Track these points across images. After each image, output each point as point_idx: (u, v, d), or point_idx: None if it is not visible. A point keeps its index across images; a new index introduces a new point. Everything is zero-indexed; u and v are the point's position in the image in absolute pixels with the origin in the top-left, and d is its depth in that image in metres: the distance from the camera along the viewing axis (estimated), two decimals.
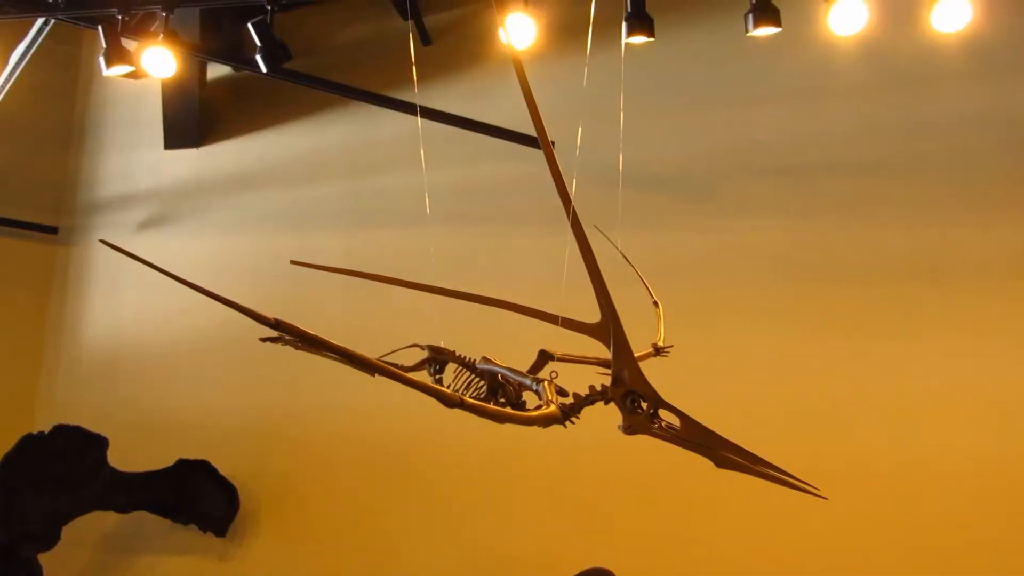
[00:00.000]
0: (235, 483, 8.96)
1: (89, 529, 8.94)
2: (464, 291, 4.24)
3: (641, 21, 6.76)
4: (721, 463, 3.53)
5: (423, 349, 4.27)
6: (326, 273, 9.09)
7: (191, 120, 9.77)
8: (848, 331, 7.92)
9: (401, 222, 9.18)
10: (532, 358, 4.08)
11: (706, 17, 7.99)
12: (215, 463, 8.93)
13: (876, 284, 7.91)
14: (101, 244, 8.88)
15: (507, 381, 3.86)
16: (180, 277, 2.83)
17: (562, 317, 3.74)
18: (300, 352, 8.97)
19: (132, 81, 9.08)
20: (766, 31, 6.61)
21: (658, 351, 4.28)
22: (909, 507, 7.40)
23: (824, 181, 8.16)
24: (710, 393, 6.76)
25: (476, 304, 4.35)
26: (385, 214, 9.28)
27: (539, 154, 7.89)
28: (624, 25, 6.79)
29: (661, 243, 8.32)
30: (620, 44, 6.85)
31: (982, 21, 6.75)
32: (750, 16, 6.61)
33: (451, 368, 4.17)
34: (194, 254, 9.72)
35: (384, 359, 4.21)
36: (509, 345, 4.44)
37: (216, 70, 9.99)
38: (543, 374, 3.76)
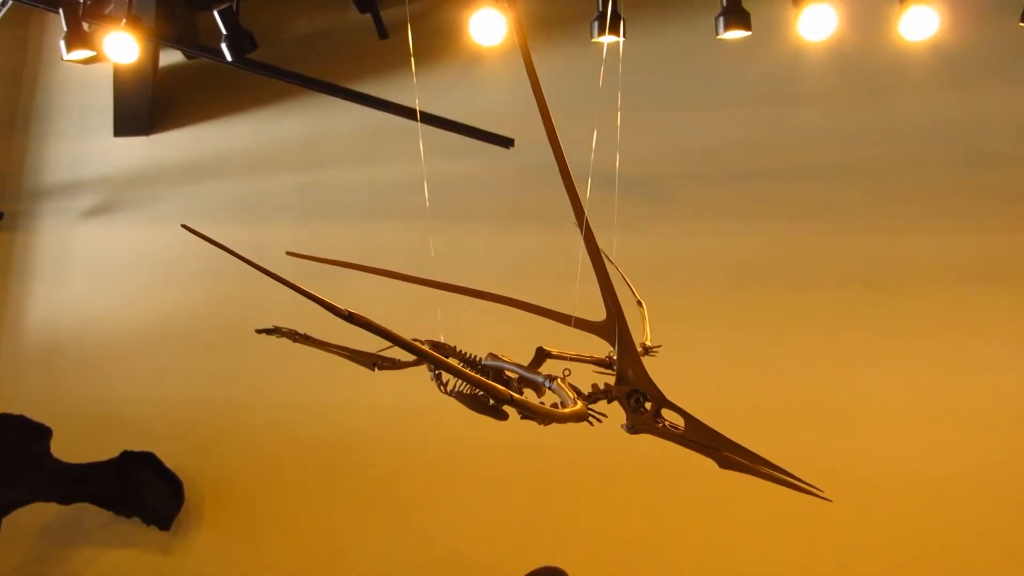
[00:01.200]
0: (181, 476, 8.82)
1: (29, 520, 8.75)
2: (473, 287, 4.20)
3: (738, 16, 6.75)
4: (724, 463, 3.53)
5: (423, 344, 4.20)
6: (279, 265, 9.13)
7: (142, 107, 9.61)
8: (800, 334, 8.04)
9: (355, 216, 9.11)
10: (520, 354, 4.07)
11: (677, 18, 8.04)
12: (162, 456, 8.78)
13: (831, 288, 8.04)
14: (45, 230, 8.71)
15: (512, 378, 3.83)
16: (259, 265, 2.79)
17: (574, 317, 3.73)
18: (252, 346, 8.97)
19: (82, 66, 8.94)
20: (736, 35, 6.67)
21: (647, 351, 4.28)
22: (883, 513, 7.52)
23: (787, 185, 8.26)
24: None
25: (468, 300, 4.30)
26: (339, 208, 9.21)
27: (494, 151, 7.96)
28: (595, 24, 6.81)
29: (617, 244, 8.34)
30: (589, 42, 6.88)
31: (949, 31, 6.88)
32: (721, 19, 6.67)
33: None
34: (143, 243, 9.56)
35: (382, 352, 4.18)
36: (503, 341, 4.42)
37: (168, 57, 9.85)
38: (547, 371, 3.75)
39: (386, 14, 9.37)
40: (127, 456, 8.76)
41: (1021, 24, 6.53)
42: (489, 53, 8.27)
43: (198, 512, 8.95)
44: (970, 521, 7.44)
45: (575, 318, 3.66)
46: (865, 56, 7.95)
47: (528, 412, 3.08)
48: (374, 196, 9.11)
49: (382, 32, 9.38)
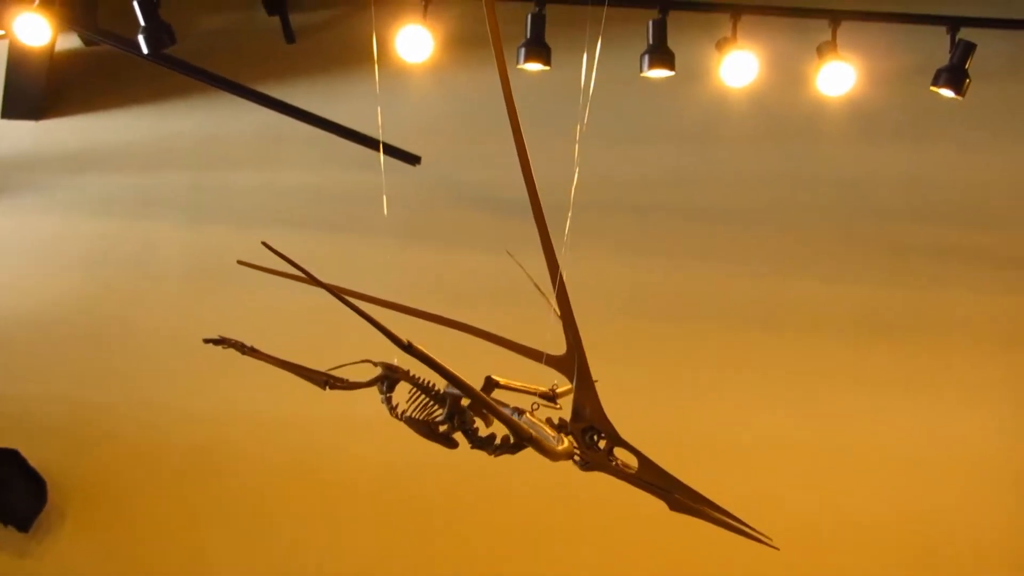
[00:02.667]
0: (46, 477, 8.49)
1: None
2: (444, 316, 4.14)
3: (539, 48, 6.79)
4: (675, 506, 3.56)
5: (375, 366, 4.11)
6: (167, 265, 8.92)
7: (35, 90, 9.25)
8: (693, 371, 8.18)
9: (251, 221, 8.92)
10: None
11: (605, 51, 8.04)
12: (26, 454, 8.44)
13: (725, 327, 8.19)
14: None
15: (470, 407, 3.78)
16: (333, 288, 2.73)
17: (540, 352, 3.71)
18: (130, 343, 8.71)
19: None
20: (660, 73, 6.74)
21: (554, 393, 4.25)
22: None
23: (691, 223, 8.40)
24: None
25: (418, 324, 4.23)
26: (235, 211, 8.99)
27: (398, 166, 7.88)
28: (521, 51, 6.81)
29: (511, 266, 8.34)
30: (515, 64, 6.88)
31: (865, 88, 7.06)
32: (646, 57, 6.74)
33: (404, 388, 4.05)
34: (25, 231, 9.18)
35: (332, 371, 4.08)
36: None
37: (65, 41, 9.51)
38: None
39: (295, 18, 9.23)
40: None
41: (932, 89, 6.74)
42: (401, 67, 8.21)
43: (60, 514, 8.61)
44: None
45: (546, 355, 3.64)
46: (783, 105, 8.12)
47: (538, 449, 3.05)
48: (273, 202, 8.93)
49: (289, 36, 9.23)
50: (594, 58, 4.73)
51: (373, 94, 8.89)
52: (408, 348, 2.85)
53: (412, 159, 8.13)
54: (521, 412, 3.63)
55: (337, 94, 9.00)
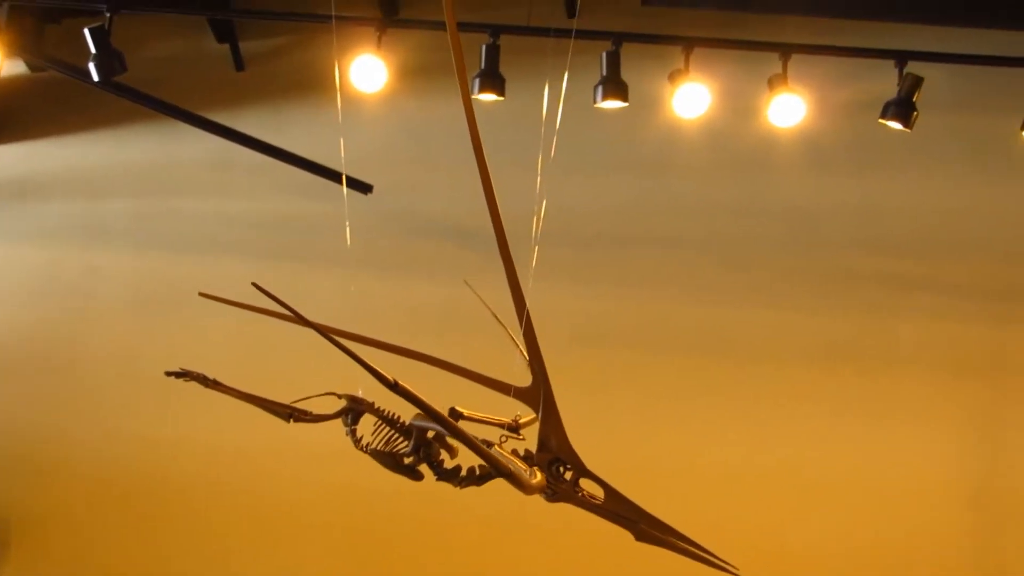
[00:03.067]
0: None
1: None
2: (409, 348, 4.12)
3: (493, 79, 6.81)
4: (640, 536, 3.57)
5: (340, 398, 4.10)
6: (113, 292, 8.81)
7: None
8: (646, 398, 8.25)
9: (199, 248, 8.86)
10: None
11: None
12: None
13: (677, 354, 8.27)
14: None
15: (437, 440, 3.78)
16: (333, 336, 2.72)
17: (508, 385, 3.71)
18: (77, 375, 8.60)
19: None
20: (613, 104, 6.78)
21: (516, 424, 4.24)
22: None
23: (644, 252, 8.47)
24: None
25: (380, 355, 4.20)
26: (182, 238, 8.92)
27: (350, 194, 7.83)
28: (476, 82, 6.82)
29: (454, 295, 8.35)
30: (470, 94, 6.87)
31: (814, 119, 7.15)
32: (599, 88, 6.78)
33: (369, 420, 4.03)
34: None
35: (296, 403, 4.06)
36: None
37: (9, 67, 9.37)
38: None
39: (244, 46, 9.18)
40: None
41: (880, 121, 6.83)
42: (354, 95, 8.20)
43: (3, 546, 8.49)
44: None
45: (514, 387, 3.64)
46: (735, 136, 8.20)
47: (514, 483, 3.05)
48: (221, 229, 8.87)
49: (239, 64, 9.18)
50: (560, 90, 4.73)
51: (322, 122, 8.90)
52: (394, 387, 2.84)
53: (364, 187, 8.12)
54: (490, 444, 3.63)
55: (286, 122, 8.96)
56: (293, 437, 7.29)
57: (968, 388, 8.35)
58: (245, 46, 9.19)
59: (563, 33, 6.56)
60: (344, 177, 6.04)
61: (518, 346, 4.61)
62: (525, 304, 3.51)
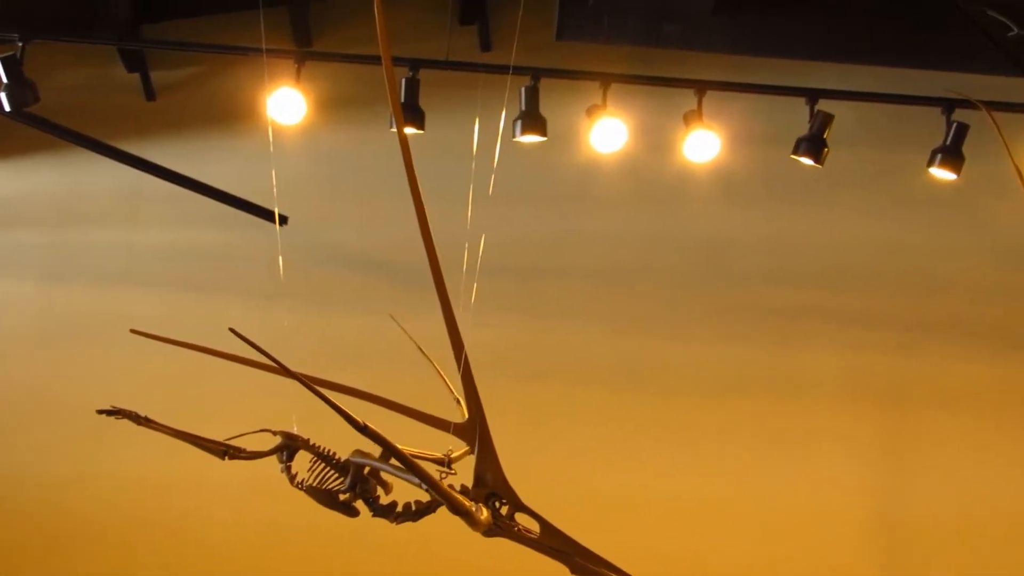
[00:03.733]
0: None
1: None
2: (343, 384, 4.10)
3: (413, 113, 6.84)
4: (575, 569, 3.62)
5: (275, 435, 4.08)
6: (21, 325, 8.61)
7: None
8: (550, 428, 8.32)
9: (109, 280, 8.72)
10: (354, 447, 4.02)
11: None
12: None
13: (590, 385, 8.35)
14: None
15: (372, 476, 3.80)
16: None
17: (447, 422, 3.74)
18: None
19: None
20: (532, 139, 6.85)
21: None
22: None
23: (554, 283, 8.54)
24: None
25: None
26: (89, 269, 8.77)
27: (260, 224, 7.77)
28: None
29: (368, 328, 8.35)
30: (388, 127, 6.93)
31: (728, 154, 7.28)
32: (518, 123, 6.84)
33: (304, 456, 4.02)
34: None
35: (230, 441, 4.02)
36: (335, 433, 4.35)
37: None
38: None
39: (156, 75, 9.08)
40: None
41: (792, 156, 6.99)
42: (291, 130, 8.20)
43: None
44: None
45: (454, 424, 3.67)
46: (652, 170, 8.33)
47: (469, 521, 3.07)
48: (132, 261, 8.74)
49: (150, 93, 9.08)
50: (483, 124, 4.75)
51: (235, 153, 8.87)
52: (363, 429, 2.87)
53: (280, 219, 8.05)
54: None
55: (198, 152, 8.88)
56: (216, 472, 7.29)
57: (872, 417, 8.58)
58: (156, 76, 9.09)
59: (491, 69, 6.66)
60: (276, 213, 6.06)
61: (445, 381, 4.64)
62: (461, 341, 3.54)
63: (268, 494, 7.91)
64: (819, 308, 8.73)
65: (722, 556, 8.20)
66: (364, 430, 2.89)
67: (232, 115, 8.81)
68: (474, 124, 5.01)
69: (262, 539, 8.16)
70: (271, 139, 5.81)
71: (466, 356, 3.49)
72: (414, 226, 8.73)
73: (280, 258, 5.89)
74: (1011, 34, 6.55)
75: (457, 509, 3.08)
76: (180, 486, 8.18)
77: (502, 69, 6.67)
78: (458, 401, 4.60)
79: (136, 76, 9.01)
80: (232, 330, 2.95)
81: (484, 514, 3.40)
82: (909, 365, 8.66)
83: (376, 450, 3.80)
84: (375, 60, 7.14)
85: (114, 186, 8.82)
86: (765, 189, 8.71)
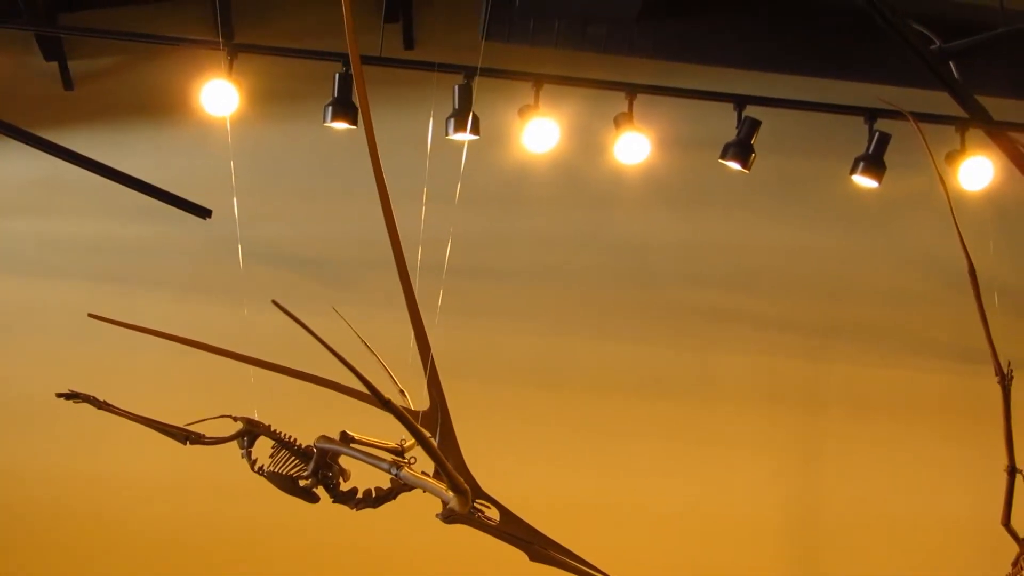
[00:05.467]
0: None
1: None
2: (292, 367, 4.09)
3: (345, 108, 6.84)
4: (535, 557, 3.68)
5: (236, 420, 4.09)
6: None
7: None
8: (480, 428, 8.33)
9: (16, 270, 8.53)
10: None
11: (407, 111, 8.07)
12: None
13: (509, 383, 8.42)
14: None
15: (335, 462, 3.82)
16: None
17: (416, 411, 3.77)
18: None
19: None
20: (464, 137, 6.88)
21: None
22: None
23: (482, 283, 8.57)
24: None
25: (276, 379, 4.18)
26: (6, 260, 8.57)
27: (183, 217, 7.69)
28: (328, 110, 6.84)
29: (290, 324, 8.29)
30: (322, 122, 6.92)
31: (657, 157, 7.41)
32: (451, 121, 6.88)
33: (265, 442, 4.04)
34: None
35: (190, 426, 4.01)
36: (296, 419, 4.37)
37: None
38: None
39: (74, 64, 8.90)
40: None
41: (720, 161, 7.13)
42: (189, 117, 8.10)
43: None
44: None
45: (421, 412, 3.69)
46: (583, 171, 8.42)
47: (460, 505, 3.10)
48: (46, 251, 8.56)
49: (68, 82, 8.91)
50: (469, 121, 4.78)
51: (156, 144, 8.75)
52: (387, 404, 2.92)
53: (203, 212, 7.96)
54: (399, 466, 3.70)
55: (118, 143, 8.70)
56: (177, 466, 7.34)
57: (787, 418, 8.80)
58: (75, 65, 8.91)
59: (432, 67, 6.68)
60: (235, 204, 5.92)
61: (388, 372, 4.66)
62: (426, 335, 3.58)
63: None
64: (735, 311, 8.93)
65: (636, 557, 8.27)
66: (388, 405, 2.94)
67: (153, 107, 8.71)
68: (411, 122, 5.00)
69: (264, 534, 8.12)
70: (229, 131, 5.79)
71: (428, 346, 3.51)
72: (342, 222, 8.76)
73: (240, 249, 5.84)
74: (933, 47, 6.74)
75: (457, 488, 3.12)
76: (96, 480, 8.06)
77: (444, 67, 6.73)
78: (402, 392, 4.64)
79: (54, 64, 8.82)
80: (275, 302, 3.02)
81: (460, 497, 3.44)
82: (821, 368, 8.90)
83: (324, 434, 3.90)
84: (312, 55, 7.20)
85: (28, 175, 8.62)
86: (687, 192, 8.86)
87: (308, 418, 4.27)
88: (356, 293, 8.51)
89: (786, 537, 8.58)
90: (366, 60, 6.79)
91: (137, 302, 8.43)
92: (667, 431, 8.63)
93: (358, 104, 3.51)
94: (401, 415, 2.99)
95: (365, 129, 3.47)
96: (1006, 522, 5.50)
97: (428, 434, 3.24)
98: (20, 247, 8.59)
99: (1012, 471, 5.52)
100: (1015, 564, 5.56)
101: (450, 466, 3.12)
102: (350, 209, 8.62)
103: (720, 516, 8.50)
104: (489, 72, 6.93)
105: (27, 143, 7.89)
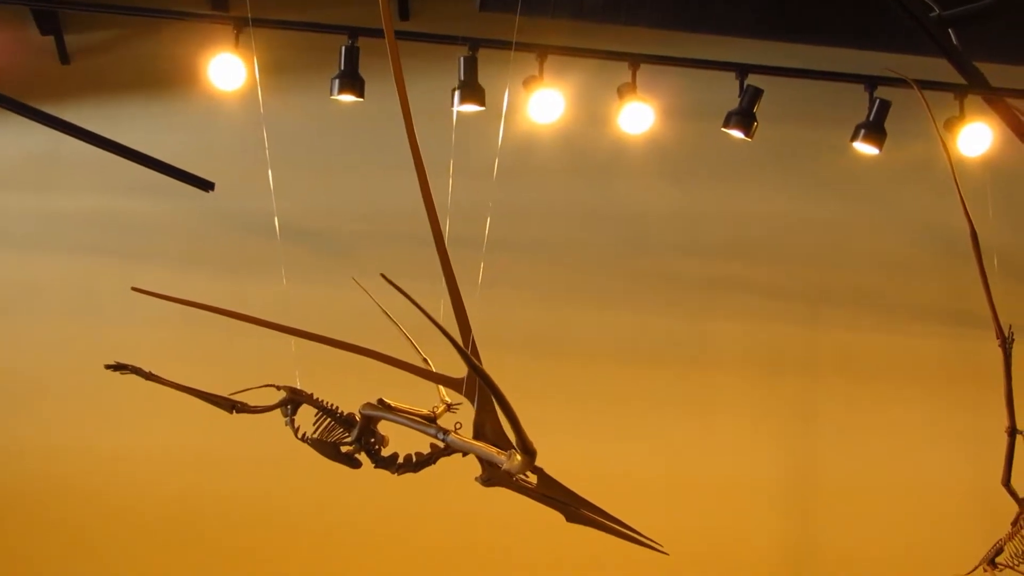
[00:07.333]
0: None
1: None
2: (331, 337, 4.13)
3: (352, 80, 6.86)
4: (572, 518, 3.77)
5: (279, 390, 4.18)
6: None
7: None
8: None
9: (15, 245, 8.52)
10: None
11: (417, 83, 8.06)
12: None
13: (509, 353, 8.45)
14: None
15: (375, 428, 3.91)
16: None
17: (426, 369, 3.85)
18: None
19: None
20: (470, 108, 6.92)
21: (449, 407, 4.37)
22: None
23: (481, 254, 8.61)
24: None
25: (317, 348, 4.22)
26: (4, 235, 8.56)
27: (185, 190, 7.70)
28: (335, 83, 6.86)
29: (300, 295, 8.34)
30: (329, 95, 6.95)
31: (661, 127, 7.46)
32: (457, 92, 6.91)
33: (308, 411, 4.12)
34: None
35: (235, 396, 4.08)
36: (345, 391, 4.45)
37: None
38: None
39: (70, 39, 8.88)
40: None
41: (723, 129, 7.20)
42: (187, 91, 8.11)
43: None
44: None
45: (425, 369, 3.77)
46: (588, 141, 8.45)
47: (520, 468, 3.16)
48: (45, 226, 8.55)
49: (64, 56, 8.88)
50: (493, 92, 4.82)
51: (155, 118, 8.73)
52: (477, 369, 3.06)
53: (205, 184, 7.97)
54: (447, 432, 3.79)
55: (115, 118, 8.66)
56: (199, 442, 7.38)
57: (784, 385, 8.88)
58: (71, 39, 8.89)
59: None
60: (270, 177, 5.92)
61: (411, 341, 4.72)
62: (463, 305, 3.65)
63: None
64: (735, 279, 9.00)
65: (634, 524, 8.35)
66: (478, 370, 3.06)
67: (150, 81, 8.70)
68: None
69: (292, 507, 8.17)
70: (261, 104, 5.78)
71: (464, 311, 3.58)
72: (342, 195, 8.76)
73: (276, 223, 5.86)
74: (932, 15, 6.82)
75: (527, 448, 3.22)
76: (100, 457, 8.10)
77: (442, 39, 6.75)
78: (426, 360, 4.70)
79: (50, 38, 8.79)
80: (383, 276, 3.09)
81: (517, 459, 3.51)
82: (819, 335, 8.99)
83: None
84: (319, 28, 7.20)
85: (26, 150, 8.61)
86: (688, 162, 8.92)
87: (338, 390, 4.36)
88: (348, 263, 8.48)
89: (784, 503, 8.67)
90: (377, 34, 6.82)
91: (137, 277, 8.39)
92: (665, 398, 8.70)
93: (393, 79, 3.47)
94: (482, 377, 3.08)
95: (401, 106, 3.50)
96: (1006, 482, 5.60)
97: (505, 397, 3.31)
98: (18, 222, 8.58)
99: (1013, 432, 5.62)
100: (1015, 523, 5.65)
101: (522, 425, 3.19)
102: (352, 181, 8.65)
103: (718, 482, 8.58)
104: (494, 43, 6.95)
105: (28, 117, 7.88)
